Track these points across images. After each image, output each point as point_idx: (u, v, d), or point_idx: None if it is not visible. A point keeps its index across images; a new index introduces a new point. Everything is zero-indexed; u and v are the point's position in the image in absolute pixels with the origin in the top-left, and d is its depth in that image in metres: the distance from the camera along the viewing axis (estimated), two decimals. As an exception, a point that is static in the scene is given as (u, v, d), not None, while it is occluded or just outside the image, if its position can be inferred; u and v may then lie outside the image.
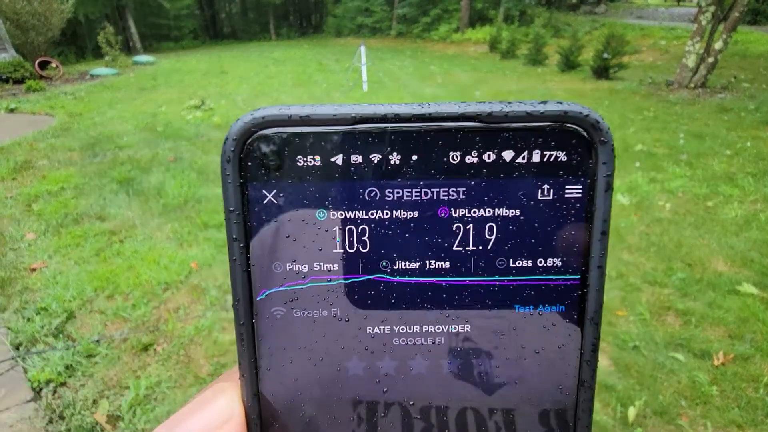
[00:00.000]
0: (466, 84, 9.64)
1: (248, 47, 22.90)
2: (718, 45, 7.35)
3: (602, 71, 9.56)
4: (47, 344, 2.07)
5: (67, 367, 1.93)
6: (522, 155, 0.19)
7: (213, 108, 7.12)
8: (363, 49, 9.24)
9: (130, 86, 9.82)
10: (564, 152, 0.19)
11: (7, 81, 9.90)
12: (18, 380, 1.88)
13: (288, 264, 0.20)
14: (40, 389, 1.84)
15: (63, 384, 1.87)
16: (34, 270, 2.68)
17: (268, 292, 0.21)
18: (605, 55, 9.42)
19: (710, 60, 7.52)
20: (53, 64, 11.26)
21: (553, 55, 12.12)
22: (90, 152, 4.86)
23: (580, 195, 0.19)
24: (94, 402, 1.78)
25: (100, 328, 2.18)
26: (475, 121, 0.19)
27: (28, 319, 2.22)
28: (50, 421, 1.70)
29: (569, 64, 10.92)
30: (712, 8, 7.30)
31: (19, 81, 9.95)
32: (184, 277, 2.58)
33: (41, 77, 10.49)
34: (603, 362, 1.93)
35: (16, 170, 4.28)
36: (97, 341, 2.08)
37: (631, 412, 1.67)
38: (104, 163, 4.49)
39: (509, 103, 0.19)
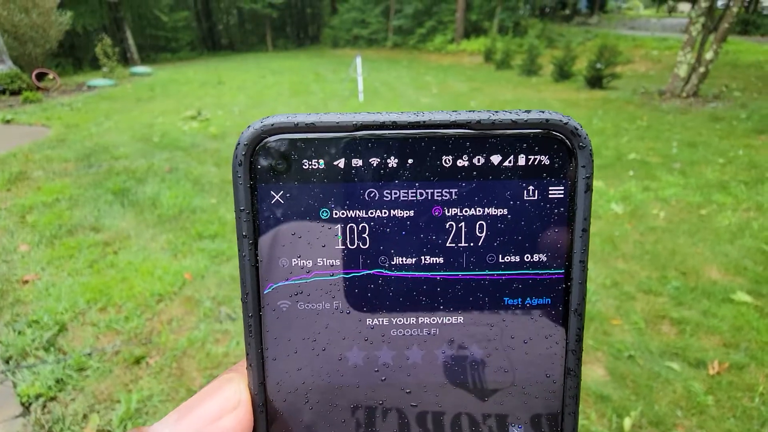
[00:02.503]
0: (462, 93, 9.73)
1: (245, 58, 23.07)
2: (708, 55, 7.48)
3: (596, 81, 9.69)
4: (38, 358, 2.04)
5: (57, 381, 1.90)
6: (509, 159, 0.21)
7: (209, 118, 7.14)
8: (359, 59, 9.35)
9: (127, 97, 9.85)
10: (547, 156, 0.20)
11: (3, 92, 9.91)
12: (7, 395, 1.85)
13: (293, 259, 0.22)
14: (30, 404, 1.81)
15: (53, 398, 1.84)
16: (26, 282, 2.66)
17: (275, 285, 0.22)
18: (598, 65, 9.56)
19: (701, 70, 7.64)
20: (50, 76, 11.31)
21: (547, 66, 12.28)
22: (85, 163, 4.86)
23: (562, 195, 0.21)
24: (85, 417, 1.76)
25: (92, 341, 2.15)
26: (465, 129, 0.20)
27: (20, 332, 2.20)
28: (39, 437, 1.67)
29: (563, 74, 11.06)
30: (702, 19, 7.44)
31: (16, 92, 9.96)
32: (178, 288, 2.56)
33: (38, 88, 10.52)
34: (598, 372, 1.92)
35: (11, 181, 4.26)
36: (89, 354, 2.06)
37: (627, 422, 1.66)
38: (99, 174, 4.48)
39: (496, 111, 0.21)
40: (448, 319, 0.22)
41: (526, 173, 0.21)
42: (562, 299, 0.21)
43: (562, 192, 0.21)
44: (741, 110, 6.85)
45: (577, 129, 0.20)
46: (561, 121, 0.20)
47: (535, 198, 0.21)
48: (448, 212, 0.21)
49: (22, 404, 1.81)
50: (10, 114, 7.69)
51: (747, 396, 1.77)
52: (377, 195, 0.21)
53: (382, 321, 0.22)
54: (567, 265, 0.21)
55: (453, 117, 0.20)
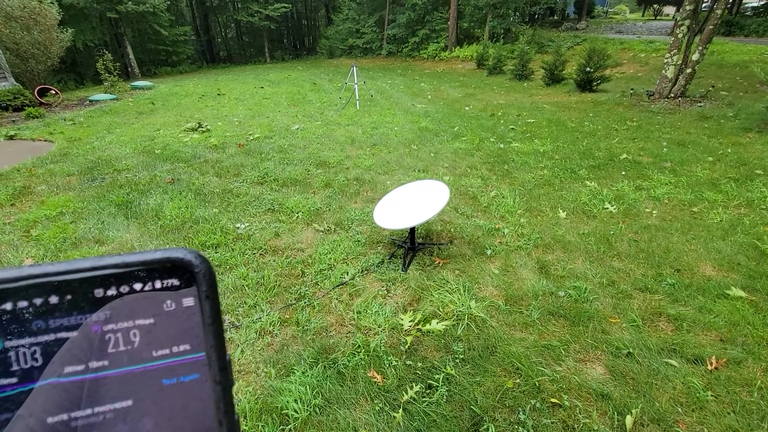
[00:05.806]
0: (456, 99, 9.83)
1: (244, 70, 23.29)
2: (695, 56, 7.62)
3: (586, 84, 9.83)
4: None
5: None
6: (148, 284, 0.27)
7: (210, 130, 7.21)
8: (355, 68, 9.47)
9: (128, 111, 9.94)
10: (177, 279, 0.28)
11: (6, 109, 10.00)
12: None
13: None
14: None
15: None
16: (33, 296, 2.68)
17: None
18: (588, 69, 9.70)
19: (688, 71, 7.77)
20: (52, 91, 11.41)
21: (538, 70, 12.45)
22: (88, 176, 4.90)
23: (193, 303, 0.28)
24: None
25: (100, 352, 2.18)
26: (110, 269, 0.26)
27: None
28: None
29: (554, 78, 11.22)
30: (687, 22, 7.59)
31: (19, 108, 10.05)
32: (184, 298, 2.60)
33: (41, 104, 10.62)
34: (598, 370, 1.94)
35: (15, 196, 4.30)
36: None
37: (629, 420, 1.67)
38: (103, 187, 4.53)
39: (134, 253, 0.28)
40: (121, 405, 0.26)
41: (163, 291, 0.27)
42: (207, 374, 0.28)
43: (193, 301, 0.28)
44: (728, 109, 6.96)
45: (191, 261, 0.28)
46: (178, 256, 0.27)
47: (174, 308, 0.27)
48: (106, 328, 0.26)
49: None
50: (14, 130, 7.75)
51: (746, 391, 1.78)
52: (44, 325, 0.26)
53: (63, 417, 0.25)
54: (205, 348, 0.28)
55: (99, 262, 0.26)
